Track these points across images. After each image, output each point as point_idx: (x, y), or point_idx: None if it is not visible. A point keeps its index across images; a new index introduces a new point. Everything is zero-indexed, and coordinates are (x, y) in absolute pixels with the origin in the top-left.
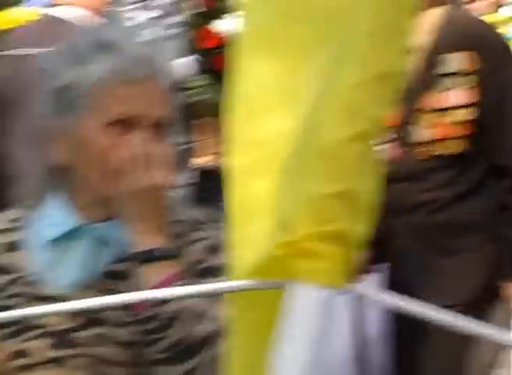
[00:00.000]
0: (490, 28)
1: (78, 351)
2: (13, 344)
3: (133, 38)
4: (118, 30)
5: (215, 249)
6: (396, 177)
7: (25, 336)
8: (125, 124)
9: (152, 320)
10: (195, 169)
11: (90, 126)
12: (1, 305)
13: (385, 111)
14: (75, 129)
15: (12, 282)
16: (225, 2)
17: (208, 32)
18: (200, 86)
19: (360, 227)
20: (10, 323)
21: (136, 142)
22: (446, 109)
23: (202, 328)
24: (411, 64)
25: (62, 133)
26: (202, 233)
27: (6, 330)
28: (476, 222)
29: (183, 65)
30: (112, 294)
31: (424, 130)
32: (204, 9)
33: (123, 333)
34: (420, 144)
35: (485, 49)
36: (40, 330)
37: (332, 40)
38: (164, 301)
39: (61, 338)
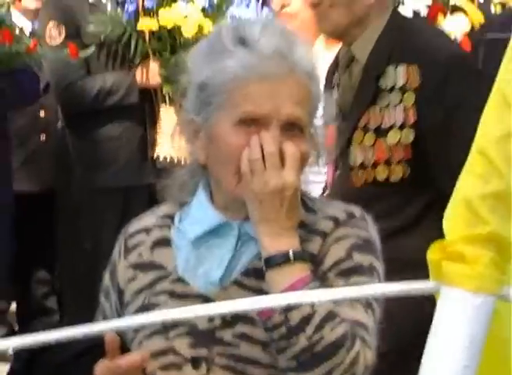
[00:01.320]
0: (438, 39)
1: (220, 350)
2: (159, 342)
3: (277, 33)
4: (261, 25)
5: (360, 247)
6: None
7: (171, 334)
8: (255, 123)
9: (279, 327)
10: None
11: (221, 124)
12: (149, 302)
13: None
14: (210, 126)
15: (160, 279)
16: None
17: None
18: None
19: None
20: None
21: (267, 141)
22: (384, 129)
23: (332, 332)
24: (354, 77)
25: (200, 130)
26: (346, 231)
27: (149, 329)
28: (415, 259)
29: None
30: (255, 292)
31: (362, 152)
32: None
33: (264, 333)
34: (357, 167)
35: (427, 62)
36: (185, 328)
37: None
38: (293, 306)
39: (205, 337)
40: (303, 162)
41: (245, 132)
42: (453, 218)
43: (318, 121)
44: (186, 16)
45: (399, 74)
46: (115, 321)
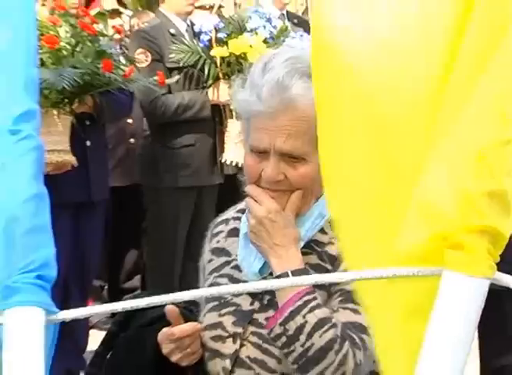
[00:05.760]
0: None
1: (253, 329)
2: (214, 317)
3: (286, 66)
4: (280, 57)
5: None
6: None
7: (222, 311)
8: (261, 153)
9: (280, 337)
10: None
11: (246, 145)
12: (215, 282)
13: None
14: (245, 142)
15: (226, 264)
16: None
17: None
18: None
19: (507, 224)
20: (214, 298)
21: (268, 169)
22: None
23: (321, 339)
24: None
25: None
26: None
27: (210, 304)
28: None
29: None
30: None
31: None
32: None
33: None
34: None
35: None
36: (233, 308)
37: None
38: (290, 318)
39: (244, 317)
40: (306, 181)
41: (256, 156)
42: (453, 211)
43: None
44: (251, 45)
45: None
46: (176, 294)
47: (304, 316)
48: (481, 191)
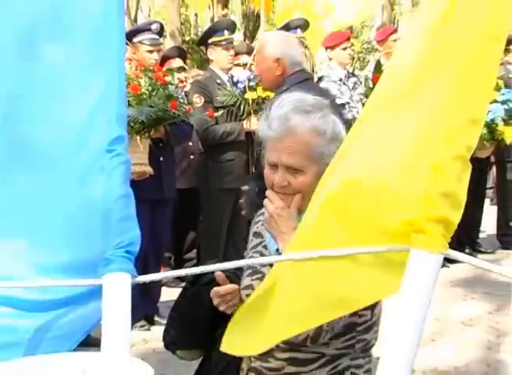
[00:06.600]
0: None
1: None
2: (248, 281)
3: (290, 103)
4: (290, 96)
5: None
6: None
7: (253, 277)
8: (273, 166)
9: None
10: None
11: (266, 161)
12: (251, 255)
13: (475, 143)
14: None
15: (260, 243)
16: None
17: None
18: None
19: (456, 215)
20: (249, 267)
21: (276, 177)
22: None
23: None
24: None
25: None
26: None
27: (247, 272)
28: None
29: None
30: None
31: None
32: None
33: None
34: None
35: None
36: (261, 275)
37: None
38: None
39: None
40: (304, 187)
41: (270, 168)
42: (418, 206)
43: None
44: None
45: None
46: (225, 263)
47: None
48: (438, 192)
